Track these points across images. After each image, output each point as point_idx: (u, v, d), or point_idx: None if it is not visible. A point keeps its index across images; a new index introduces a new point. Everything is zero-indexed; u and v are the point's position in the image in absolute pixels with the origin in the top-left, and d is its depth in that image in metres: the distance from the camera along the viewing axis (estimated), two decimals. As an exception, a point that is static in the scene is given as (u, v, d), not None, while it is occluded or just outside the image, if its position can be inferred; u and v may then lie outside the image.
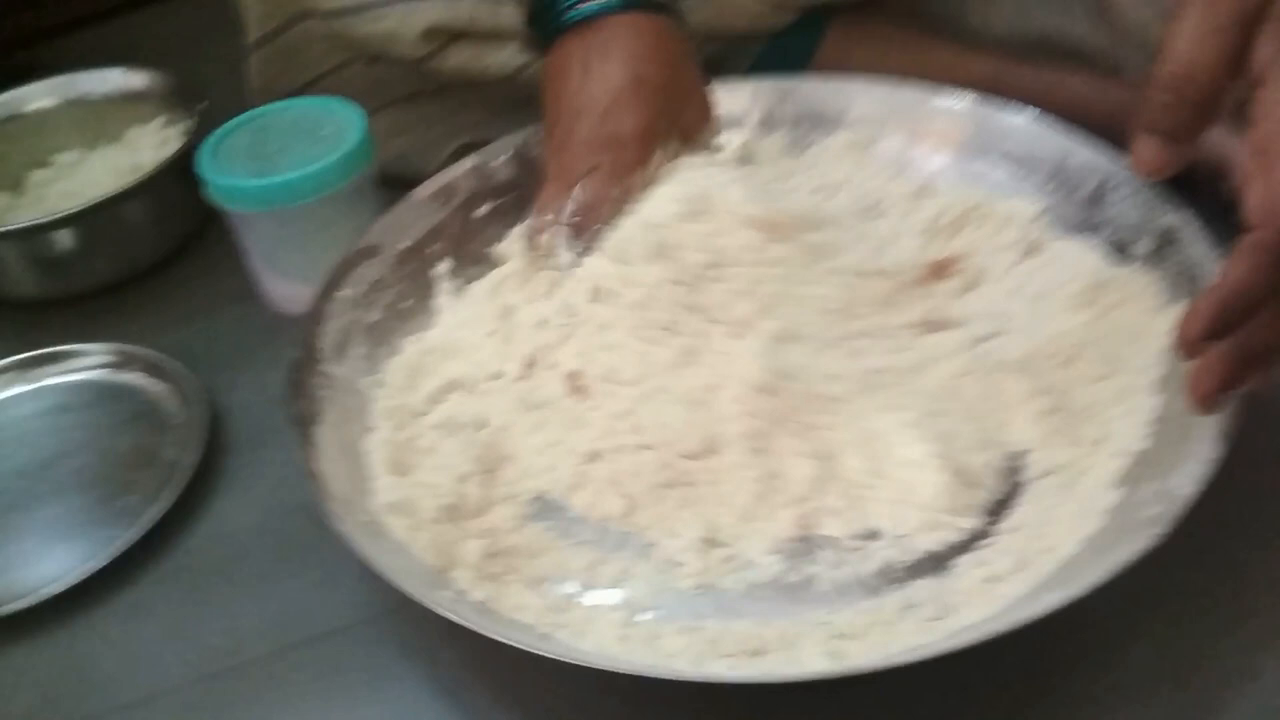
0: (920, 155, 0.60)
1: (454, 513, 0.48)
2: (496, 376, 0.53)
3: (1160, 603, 0.44)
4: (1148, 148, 0.40)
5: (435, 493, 0.48)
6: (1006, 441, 0.47)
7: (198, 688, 0.47)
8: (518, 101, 0.65)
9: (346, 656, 0.47)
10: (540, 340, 0.53)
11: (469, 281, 0.59)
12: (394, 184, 0.62)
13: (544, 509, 0.49)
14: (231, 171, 0.60)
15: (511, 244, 0.59)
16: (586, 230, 0.53)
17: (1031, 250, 0.56)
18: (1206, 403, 0.41)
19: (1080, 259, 0.54)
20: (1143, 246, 0.53)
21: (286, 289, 0.62)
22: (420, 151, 0.68)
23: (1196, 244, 0.50)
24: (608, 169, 0.52)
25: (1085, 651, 0.43)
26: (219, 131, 0.62)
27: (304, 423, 0.49)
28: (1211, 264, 0.49)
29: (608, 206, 0.52)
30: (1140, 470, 0.45)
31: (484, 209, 0.61)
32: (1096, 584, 0.38)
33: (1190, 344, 0.40)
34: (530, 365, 0.53)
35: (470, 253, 0.60)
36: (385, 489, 0.48)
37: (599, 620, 0.44)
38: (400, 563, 0.44)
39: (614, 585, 0.45)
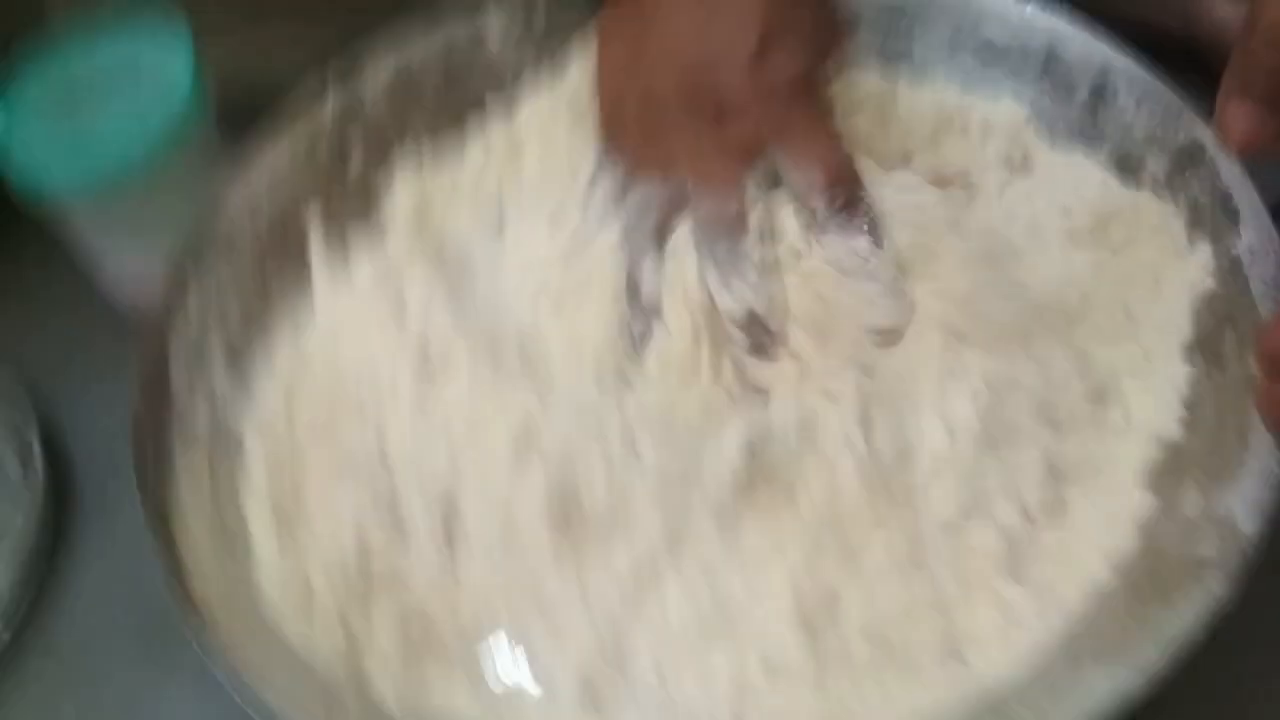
0: (879, 47, 0.50)
1: (359, 573, 0.39)
2: (394, 388, 0.44)
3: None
4: (1244, 115, 0.30)
5: (334, 549, 0.40)
6: (1057, 449, 0.39)
7: None
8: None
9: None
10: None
11: (351, 252, 0.48)
12: (235, 115, 0.50)
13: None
14: (37, 145, 0.47)
15: (399, 200, 0.49)
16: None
17: (1021, 167, 0.47)
18: None
19: (1081, 179, 0.47)
20: (1157, 165, 0.45)
21: (130, 273, 0.51)
22: (269, 74, 0.55)
23: (1226, 165, 0.41)
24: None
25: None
26: (14, 81, 0.49)
27: (157, 505, 0.39)
28: (1247, 192, 0.41)
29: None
30: (1176, 470, 0.38)
31: (361, 153, 0.49)
32: (1149, 670, 0.32)
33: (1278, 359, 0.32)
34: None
35: (349, 212, 0.49)
36: (268, 561, 0.40)
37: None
38: (293, 682, 0.36)
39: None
